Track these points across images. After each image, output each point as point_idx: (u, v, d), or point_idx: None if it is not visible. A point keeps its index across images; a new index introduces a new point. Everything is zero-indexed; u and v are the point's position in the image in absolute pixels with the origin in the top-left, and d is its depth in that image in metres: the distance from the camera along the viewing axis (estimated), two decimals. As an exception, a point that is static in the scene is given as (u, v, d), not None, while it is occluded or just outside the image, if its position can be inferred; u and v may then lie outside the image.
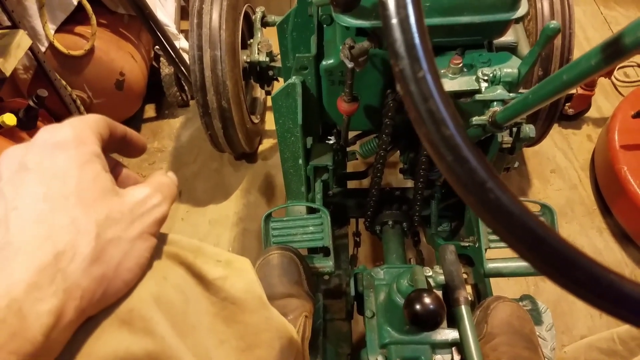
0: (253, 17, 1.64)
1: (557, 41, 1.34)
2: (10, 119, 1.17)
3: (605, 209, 1.62)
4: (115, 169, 0.40)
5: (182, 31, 1.92)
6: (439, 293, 0.94)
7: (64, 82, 1.58)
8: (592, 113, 1.87)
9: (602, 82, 1.94)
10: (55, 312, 0.29)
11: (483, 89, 0.72)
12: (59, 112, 1.64)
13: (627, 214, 1.51)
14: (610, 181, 1.55)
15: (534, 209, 1.05)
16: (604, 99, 1.93)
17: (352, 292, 1.03)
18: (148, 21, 1.62)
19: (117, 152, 0.41)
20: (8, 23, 1.38)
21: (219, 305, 0.41)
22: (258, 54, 1.56)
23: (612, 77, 1.94)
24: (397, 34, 0.28)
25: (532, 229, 0.27)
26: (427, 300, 0.68)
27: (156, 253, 0.38)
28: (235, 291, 0.41)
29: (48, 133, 0.34)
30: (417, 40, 0.28)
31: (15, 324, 0.27)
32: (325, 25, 0.96)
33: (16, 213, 0.31)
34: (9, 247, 0.29)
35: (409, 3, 0.28)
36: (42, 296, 0.29)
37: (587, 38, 2.14)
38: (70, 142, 0.33)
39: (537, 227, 0.28)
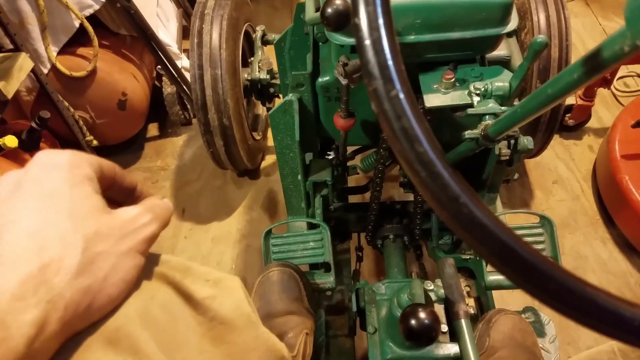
0: (253, 35, 1.67)
1: (555, 53, 1.35)
2: (11, 141, 1.19)
3: (608, 219, 1.61)
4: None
5: (184, 50, 1.95)
6: (441, 307, 0.93)
7: (66, 103, 1.60)
8: (592, 123, 1.87)
9: (602, 92, 1.94)
10: (37, 322, 0.30)
11: (475, 103, 0.73)
12: (62, 133, 1.66)
13: (630, 224, 1.51)
14: (612, 191, 1.55)
15: (533, 220, 1.05)
16: (605, 109, 1.93)
17: (354, 308, 1.03)
18: (150, 42, 1.65)
19: (109, 194, 0.42)
20: (11, 46, 1.40)
21: (206, 325, 0.41)
22: (259, 71, 1.58)
23: (612, 87, 1.94)
24: (370, 55, 0.29)
25: (505, 243, 0.28)
26: (421, 315, 0.68)
27: (145, 273, 0.39)
28: (224, 310, 0.42)
29: (45, 156, 0.36)
30: (389, 61, 0.29)
31: None
32: (320, 43, 0.97)
33: (8, 228, 0.32)
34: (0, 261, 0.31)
35: (381, 25, 0.29)
36: (25, 306, 0.29)
37: (586, 49, 2.12)
38: (65, 164, 0.35)
39: (510, 240, 0.28)
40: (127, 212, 0.37)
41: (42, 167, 0.35)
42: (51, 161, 0.35)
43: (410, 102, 0.29)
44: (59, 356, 0.32)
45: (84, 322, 0.33)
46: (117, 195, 0.42)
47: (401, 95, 0.29)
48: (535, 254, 0.28)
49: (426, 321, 0.68)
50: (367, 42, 0.29)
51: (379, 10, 0.29)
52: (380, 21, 0.29)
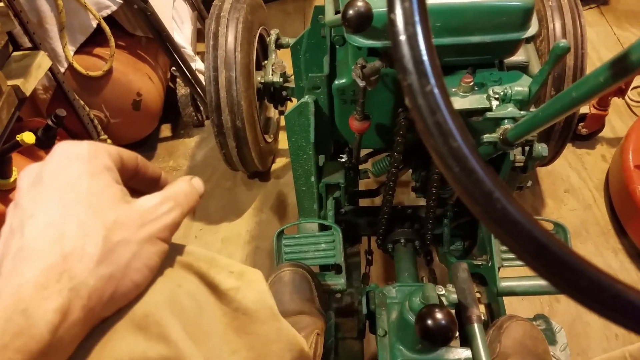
0: (267, 39, 1.68)
1: (570, 61, 1.35)
2: (29, 138, 1.20)
3: (620, 230, 1.60)
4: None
5: (198, 53, 1.96)
6: (452, 311, 0.93)
7: (82, 102, 1.62)
8: (606, 133, 1.86)
9: (616, 102, 1.94)
10: (61, 310, 0.30)
11: (494, 107, 0.73)
12: (76, 132, 1.67)
13: (643, 235, 1.50)
14: (625, 201, 1.54)
15: (547, 227, 1.05)
16: (618, 119, 1.93)
17: (364, 311, 1.03)
18: (165, 43, 1.66)
19: (133, 184, 0.42)
20: (29, 45, 1.42)
21: (230, 315, 0.41)
22: (272, 74, 1.59)
23: (626, 97, 1.93)
24: (406, 50, 0.30)
25: (538, 238, 0.28)
26: (438, 315, 0.68)
27: (170, 262, 0.39)
28: (247, 302, 0.42)
29: (65, 147, 0.37)
30: (425, 56, 0.29)
31: (21, 322, 0.29)
32: (337, 46, 0.98)
33: (31, 221, 0.33)
34: (22, 252, 0.31)
35: (417, 21, 0.29)
36: (48, 295, 0.30)
37: (600, 58, 2.14)
38: (85, 155, 0.36)
39: (543, 236, 0.28)
40: (146, 201, 0.37)
41: (61, 158, 0.36)
42: (70, 152, 0.36)
43: (444, 97, 0.29)
44: (87, 342, 0.33)
45: (110, 308, 0.34)
46: (140, 185, 0.42)
47: (435, 91, 0.29)
48: (567, 250, 0.28)
49: (443, 322, 0.68)
50: (403, 37, 0.30)
51: (415, 6, 0.29)
52: (417, 17, 0.29)
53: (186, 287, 0.38)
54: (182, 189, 0.40)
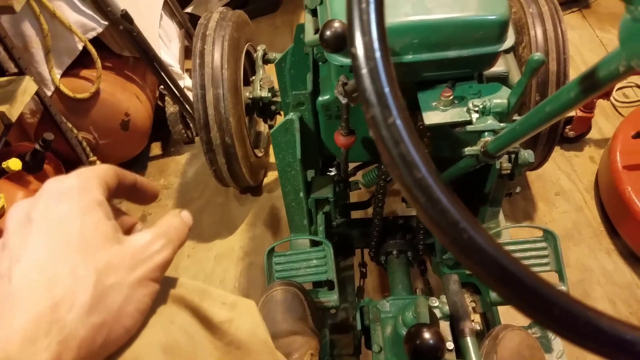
0: (255, 54, 1.68)
1: (553, 67, 1.36)
2: (15, 164, 1.20)
3: (612, 230, 1.60)
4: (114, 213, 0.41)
5: (186, 70, 1.97)
6: (447, 324, 0.93)
7: (70, 125, 1.62)
8: (593, 134, 1.87)
9: (602, 103, 1.95)
10: None
11: (474, 120, 0.73)
12: (65, 155, 1.67)
13: (634, 234, 1.50)
14: (615, 202, 1.55)
15: (537, 234, 1.05)
16: (605, 120, 1.94)
17: (359, 327, 1.02)
18: (152, 63, 1.67)
19: (128, 199, 0.42)
20: (15, 70, 1.42)
21: (223, 349, 0.40)
22: (260, 90, 1.60)
23: (611, 98, 1.95)
24: (367, 83, 0.30)
25: (506, 268, 0.28)
26: (426, 335, 0.68)
27: (161, 298, 0.38)
28: (241, 334, 0.41)
29: (54, 183, 0.35)
30: (386, 88, 0.30)
31: None
32: (320, 63, 0.99)
33: (19, 265, 0.31)
34: (10, 299, 0.30)
35: (378, 54, 0.30)
36: (36, 350, 0.29)
37: (585, 61, 2.16)
38: (74, 191, 0.35)
39: (512, 265, 0.28)
40: (138, 240, 0.36)
41: (51, 196, 0.34)
42: (59, 189, 0.35)
43: (407, 128, 0.30)
44: None
45: (99, 356, 0.33)
46: (120, 195, 0.41)
47: (398, 122, 0.30)
48: (536, 279, 0.28)
49: (431, 341, 0.67)
50: (364, 70, 0.30)
51: (375, 39, 0.29)
52: (377, 51, 0.29)
53: (179, 323, 0.38)
54: (173, 224, 0.39)
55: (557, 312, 0.27)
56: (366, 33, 0.29)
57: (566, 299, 0.28)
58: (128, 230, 0.42)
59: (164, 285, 0.38)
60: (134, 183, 0.41)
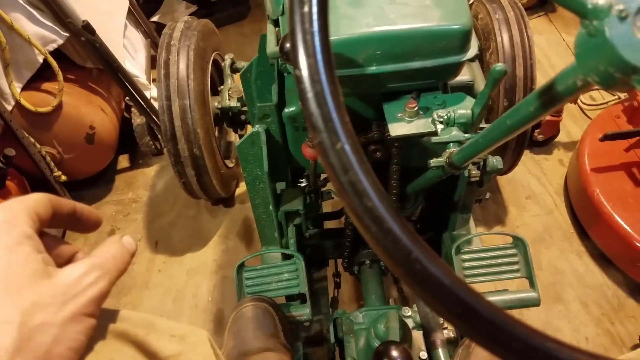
0: (222, 64, 1.66)
1: (520, 72, 1.37)
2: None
3: (582, 232, 1.62)
4: (50, 244, 0.39)
5: (153, 80, 1.93)
6: (420, 333, 0.92)
7: (32, 140, 1.56)
8: (562, 137, 1.90)
9: (570, 106, 1.98)
10: None
11: (439, 131, 0.73)
12: (28, 170, 1.62)
13: (603, 236, 1.52)
14: (584, 204, 1.57)
15: (508, 240, 1.05)
16: (573, 123, 1.97)
17: (332, 339, 1.01)
18: (117, 74, 1.63)
19: (67, 228, 0.40)
20: (-28, 85, 1.37)
21: None
22: (229, 99, 1.58)
23: (579, 101, 1.98)
24: (314, 107, 0.28)
25: (462, 300, 0.27)
26: (393, 353, 0.67)
27: (101, 333, 0.36)
28: None
29: None
30: (333, 113, 0.28)
31: None
32: (285, 74, 0.97)
33: None
34: None
35: (323, 77, 0.28)
36: None
37: (552, 65, 2.20)
38: (1, 225, 0.33)
39: (468, 297, 0.27)
40: (70, 273, 0.34)
41: None
42: None
43: (356, 154, 0.28)
44: None
45: None
46: (58, 225, 0.39)
47: (347, 148, 0.28)
48: (495, 311, 0.27)
49: None
50: (310, 94, 0.28)
51: (320, 62, 0.28)
52: (322, 74, 0.28)
53: None
54: (110, 252, 0.38)
55: (516, 345, 0.26)
56: (311, 55, 0.28)
57: (525, 330, 0.27)
58: (69, 260, 0.39)
59: (103, 320, 0.36)
60: (72, 211, 0.39)
